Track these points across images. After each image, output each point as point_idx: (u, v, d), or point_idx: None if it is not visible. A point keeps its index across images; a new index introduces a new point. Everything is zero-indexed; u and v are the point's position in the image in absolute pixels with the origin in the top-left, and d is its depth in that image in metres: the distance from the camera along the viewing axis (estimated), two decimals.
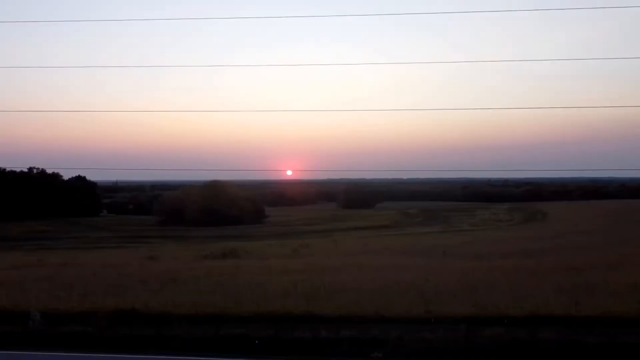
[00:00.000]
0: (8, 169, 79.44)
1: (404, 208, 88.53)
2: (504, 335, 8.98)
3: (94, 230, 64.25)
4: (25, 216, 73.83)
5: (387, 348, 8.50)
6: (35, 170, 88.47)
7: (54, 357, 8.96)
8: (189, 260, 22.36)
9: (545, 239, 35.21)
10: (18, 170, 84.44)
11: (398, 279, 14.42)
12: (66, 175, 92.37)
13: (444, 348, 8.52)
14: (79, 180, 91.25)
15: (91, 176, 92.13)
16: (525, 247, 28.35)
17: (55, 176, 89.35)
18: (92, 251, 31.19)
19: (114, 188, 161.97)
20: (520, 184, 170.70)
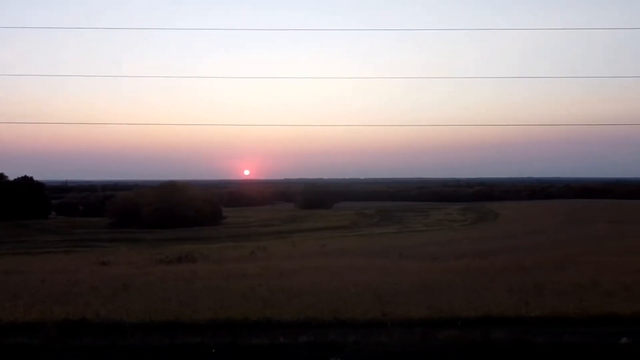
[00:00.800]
0: None
1: (361, 208, 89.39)
2: (458, 337, 9.20)
3: (42, 234, 61.62)
4: None
5: (345, 353, 8.55)
6: None
7: None
8: (143, 265, 21.77)
9: (496, 238, 36.37)
10: None
11: (355, 281, 14.55)
12: (11, 175, 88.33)
13: (400, 352, 8.65)
14: (26, 180, 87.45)
15: (39, 176, 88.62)
16: (478, 247, 29.18)
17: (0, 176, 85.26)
18: (41, 256, 29.88)
19: (63, 188, 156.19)
20: (473, 184, 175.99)
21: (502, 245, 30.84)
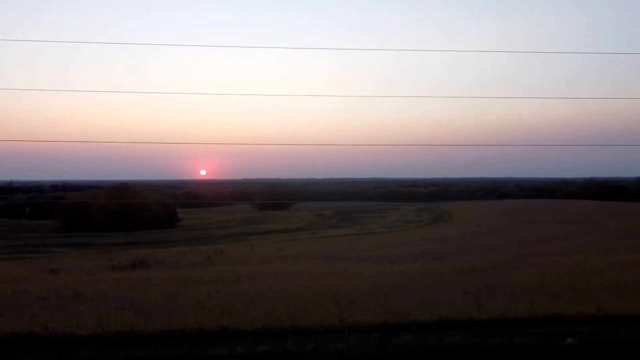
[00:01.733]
0: None
1: (319, 209, 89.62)
2: (414, 341, 9.37)
3: None
4: None
5: None
6: None
7: None
8: (95, 272, 21.09)
9: (451, 239, 37.22)
10: None
11: (313, 286, 14.58)
12: None
13: (357, 358, 8.73)
14: None
15: None
16: (433, 249, 29.80)
17: None
18: None
19: (8, 189, 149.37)
20: (428, 184, 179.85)
21: (457, 246, 31.63)
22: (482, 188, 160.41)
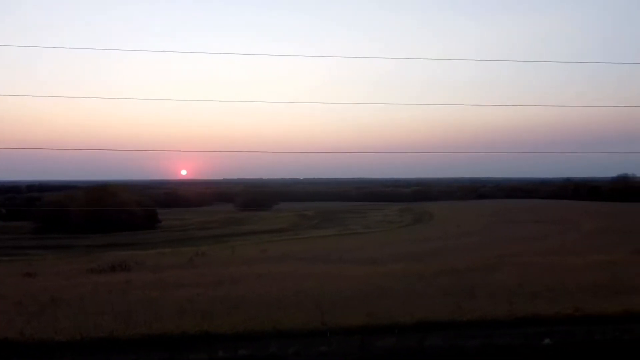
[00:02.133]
0: None
1: (301, 209, 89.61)
2: (396, 344, 9.43)
3: None
4: None
5: None
6: None
7: None
8: (73, 275, 20.71)
9: (432, 240, 37.57)
10: None
11: (296, 288, 14.56)
12: None
13: None
14: None
15: None
16: (414, 249, 30.04)
17: None
18: None
19: None
20: (411, 184, 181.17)
21: (437, 246, 31.95)
22: (462, 188, 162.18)
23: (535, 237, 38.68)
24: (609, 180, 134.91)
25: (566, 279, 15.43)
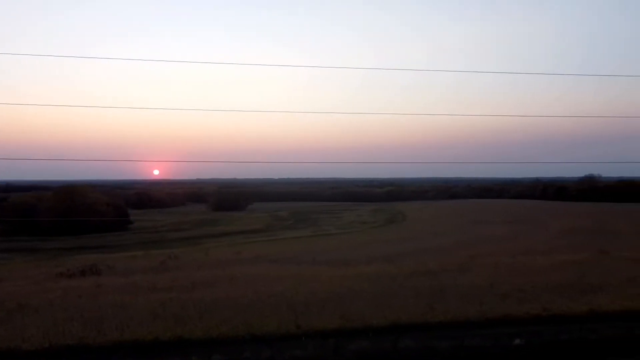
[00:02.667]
0: None
1: (275, 210, 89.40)
2: (369, 346, 9.52)
3: None
4: None
5: None
6: None
7: None
8: (41, 280, 20.20)
9: (405, 240, 38.00)
10: None
11: (270, 291, 14.50)
12: None
13: None
14: None
15: None
16: (388, 250, 30.32)
17: None
18: None
19: None
20: (384, 184, 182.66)
21: (410, 247, 32.33)
22: (435, 188, 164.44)
23: (506, 237, 39.50)
24: (576, 180, 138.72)
25: (535, 279, 15.78)
